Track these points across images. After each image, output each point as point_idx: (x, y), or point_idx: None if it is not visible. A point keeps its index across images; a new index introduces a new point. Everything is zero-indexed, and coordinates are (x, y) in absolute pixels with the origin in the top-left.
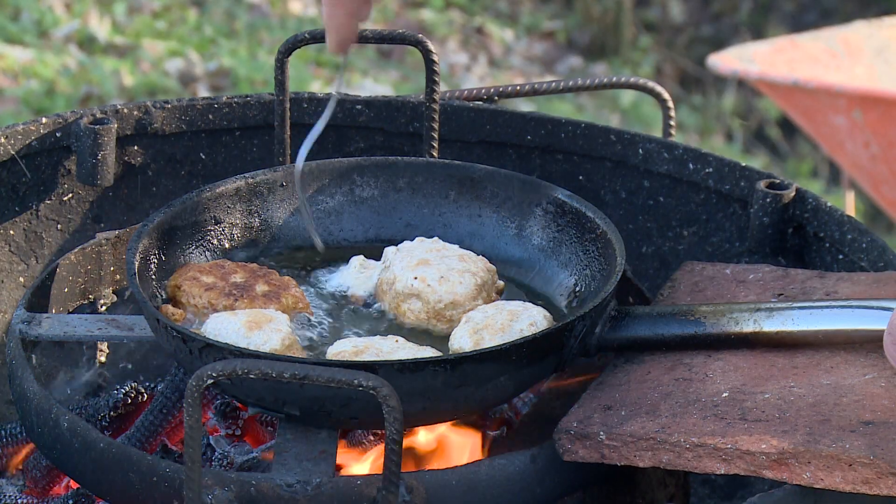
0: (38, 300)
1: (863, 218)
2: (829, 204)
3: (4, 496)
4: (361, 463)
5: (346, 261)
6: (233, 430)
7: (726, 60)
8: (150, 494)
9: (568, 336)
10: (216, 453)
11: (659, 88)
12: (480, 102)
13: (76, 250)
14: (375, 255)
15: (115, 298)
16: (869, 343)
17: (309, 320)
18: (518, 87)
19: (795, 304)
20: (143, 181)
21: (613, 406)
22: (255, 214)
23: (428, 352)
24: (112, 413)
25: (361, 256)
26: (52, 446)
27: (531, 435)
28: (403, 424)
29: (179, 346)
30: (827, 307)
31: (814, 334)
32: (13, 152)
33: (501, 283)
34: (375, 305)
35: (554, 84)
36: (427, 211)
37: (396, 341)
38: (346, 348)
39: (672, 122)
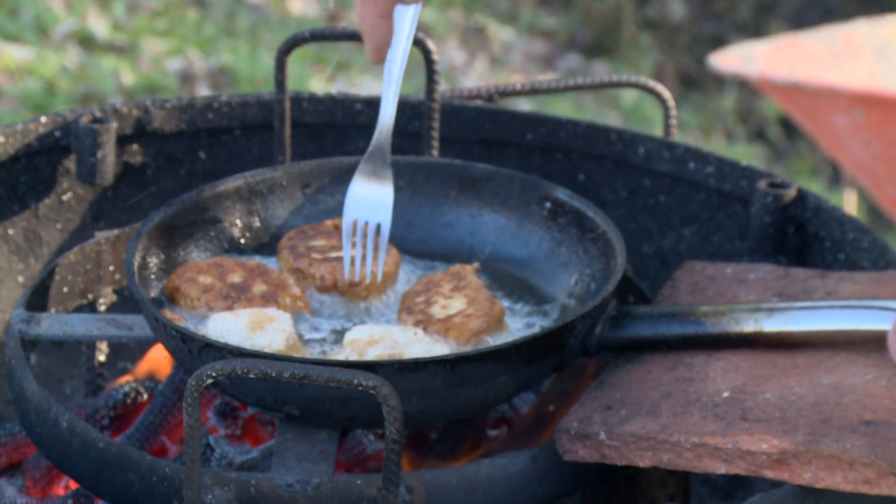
0: (38, 299)
1: (864, 217)
2: (830, 203)
3: (4, 496)
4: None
5: None
6: (233, 430)
7: (727, 60)
8: (150, 494)
9: (568, 336)
10: (216, 453)
11: (659, 87)
12: (480, 101)
13: (75, 250)
14: None
15: (115, 298)
16: (870, 343)
17: (308, 319)
18: (518, 86)
19: (796, 304)
20: (142, 180)
21: (614, 406)
22: (255, 214)
23: (442, 346)
24: (112, 413)
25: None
26: (51, 446)
27: (531, 435)
28: (403, 424)
29: (179, 346)
30: (828, 307)
31: (815, 334)
32: (12, 151)
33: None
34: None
35: (554, 83)
36: (427, 210)
37: (415, 333)
38: (362, 336)
39: (673, 122)
